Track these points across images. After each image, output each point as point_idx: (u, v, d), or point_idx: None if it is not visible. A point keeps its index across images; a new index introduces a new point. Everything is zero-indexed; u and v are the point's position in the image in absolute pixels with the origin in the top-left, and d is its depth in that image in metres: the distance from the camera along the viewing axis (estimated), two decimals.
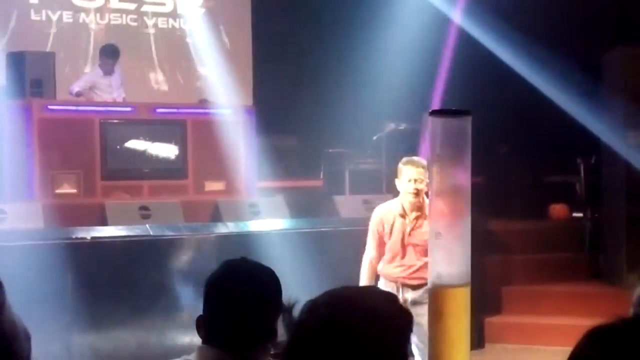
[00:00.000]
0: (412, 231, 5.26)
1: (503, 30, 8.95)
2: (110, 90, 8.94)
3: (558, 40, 9.09)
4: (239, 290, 2.15)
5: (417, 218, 5.26)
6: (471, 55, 9.36)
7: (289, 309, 1.67)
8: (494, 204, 8.81)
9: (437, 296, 2.14)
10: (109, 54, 9.02)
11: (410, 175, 5.21)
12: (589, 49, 8.99)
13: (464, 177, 2.16)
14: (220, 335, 2.13)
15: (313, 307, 1.47)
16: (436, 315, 2.13)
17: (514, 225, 9.01)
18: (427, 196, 4.84)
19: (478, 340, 7.70)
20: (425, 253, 4.65)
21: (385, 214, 5.40)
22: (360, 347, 1.41)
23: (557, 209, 9.59)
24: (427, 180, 4.87)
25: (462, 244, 2.16)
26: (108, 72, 8.99)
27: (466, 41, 9.40)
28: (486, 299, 8.00)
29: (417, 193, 5.19)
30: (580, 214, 9.32)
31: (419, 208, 5.24)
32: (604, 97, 8.52)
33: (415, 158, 5.41)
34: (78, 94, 8.76)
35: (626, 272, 8.06)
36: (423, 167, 5.18)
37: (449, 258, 2.14)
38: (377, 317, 1.44)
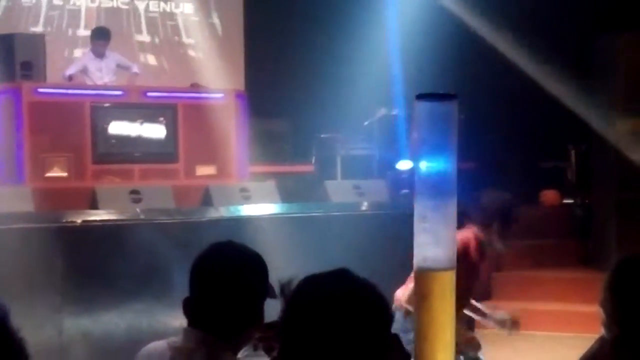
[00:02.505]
0: None
1: (495, 17, 8.95)
2: (100, 75, 8.89)
3: (549, 26, 9.10)
4: (224, 273, 2.16)
5: None
6: (463, 41, 9.36)
7: (283, 290, 1.69)
8: (485, 189, 8.82)
9: (422, 279, 2.15)
10: (100, 36, 8.97)
11: None
12: (580, 35, 9.01)
13: (450, 161, 2.16)
14: (205, 317, 2.13)
15: (301, 290, 1.53)
16: (421, 299, 2.14)
17: None
18: None
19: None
20: None
21: None
22: (346, 327, 1.46)
23: (548, 195, 9.62)
24: None
25: (448, 228, 2.16)
26: (99, 54, 8.93)
27: (458, 27, 9.39)
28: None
29: None
30: (571, 200, 9.37)
31: None
32: (595, 84, 8.53)
33: None
34: (70, 78, 8.72)
35: (615, 258, 8.10)
36: None
37: (435, 241, 2.14)
38: (361, 298, 1.50)
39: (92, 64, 8.91)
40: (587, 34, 8.88)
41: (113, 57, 9.05)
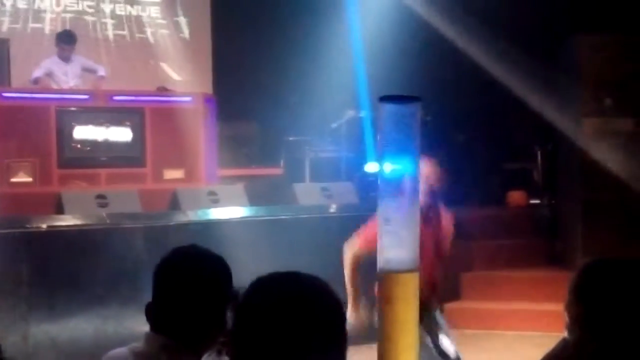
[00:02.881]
0: None
1: (460, 18, 9.00)
2: (66, 79, 8.81)
3: (515, 28, 9.17)
4: (186, 278, 2.14)
5: None
6: (429, 42, 9.41)
7: (236, 296, 1.67)
8: (453, 190, 8.86)
9: (386, 281, 2.15)
10: (65, 40, 8.90)
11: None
12: (546, 37, 9.08)
13: (412, 163, 2.17)
14: (167, 322, 2.12)
15: (250, 294, 1.52)
16: (386, 300, 2.15)
17: (473, 211, 9.08)
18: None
19: None
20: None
21: None
22: (298, 329, 1.45)
23: (515, 196, 9.69)
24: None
25: (411, 229, 2.17)
26: (65, 58, 8.86)
27: (424, 28, 9.43)
28: (445, 285, 8.06)
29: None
30: (538, 201, 9.44)
31: None
32: (561, 85, 8.60)
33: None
34: (36, 81, 8.64)
35: (582, 257, 8.18)
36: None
37: (397, 243, 2.15)
38: (311, 300, 1.49)
39: (58, 68, 8.84)
40: (553, 35, 8.96)
41: (78, 60, 8.98)
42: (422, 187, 4.46)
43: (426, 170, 4.54)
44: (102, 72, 9.10)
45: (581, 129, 8.24)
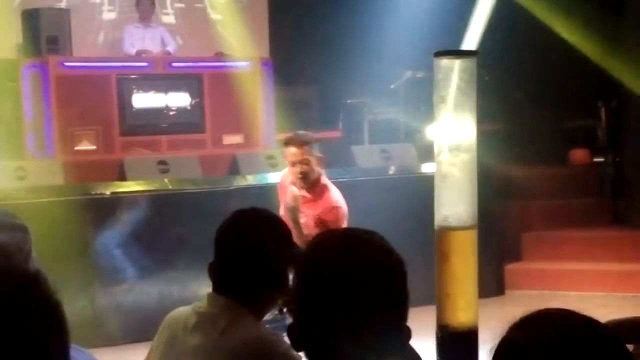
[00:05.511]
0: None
1: None
2: (142, 45, 8.82)
3: None
4: (247, 239, 2.17)
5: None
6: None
7: (297, 257, 1.69)
8: (513, 150, 8.76)
9: (443, 238, 2.14)
10: None
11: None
12: None
13: (470, 119, 2.14)
14: (228, 282, 2.15)
15: (309, 252, 1.53)
16: (443, 257, 2.13)
17: (534, 170, 8.96)
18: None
19: (498, 286, 7.71)
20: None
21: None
22: (358, 286, 1.45)
23: (578, 154, 9.52)
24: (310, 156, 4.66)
25: (469, 186, 2.14)
26: (145, 19, 8.90)
27: None
28: (506, 245, 7.99)
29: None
30: (601, 159, 9.25)
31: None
32: (625, 39, 8.37)
33: (292, 133, 4.96)
34: (138, 54, 8.69)
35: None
36: (298, 143, 4.75)
37: (455, 200, 2.13)
38: (370, 256, 1.49)
39: (135, 32, 8.87)
40: None
41: (158, 28, 9.04)
42: (291, 172, 4.69)
43: (290, 156, 4.72)
44: (171, 47, 9.09)
45: None
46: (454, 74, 2.13)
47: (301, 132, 5.00)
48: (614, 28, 8.39)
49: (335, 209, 4.71)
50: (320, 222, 4.68)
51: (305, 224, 4.72)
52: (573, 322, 1.30)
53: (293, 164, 4.75)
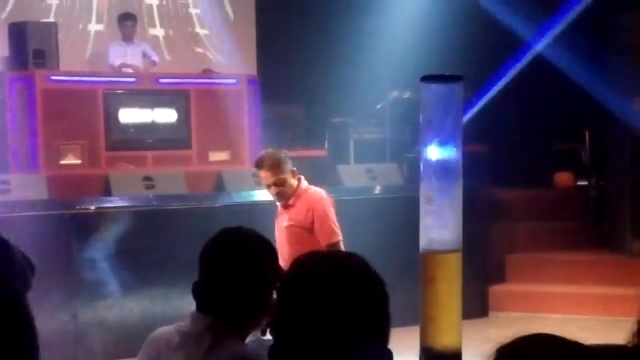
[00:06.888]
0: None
1: None
2: (124, 59, 8.92)
3: (564, 4, 8.99)
4: (232, 258, 2.16)
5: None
6: (475, 20, 9.30)
7: (281, 278, 1.69)
8: (499, 172, 8.80)
9: (428, 261, 2.14)
10: (126, 17, 9.10)
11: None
12: (596, 13, 8.90)
13: (455, 143, 2.15)
14: (213, 302, 2.14)
15: (291, 274, 1.54)
16: (427, 280, 2.14)
17: (519, 193, 9.00)
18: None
19: (482, 308, 7.73)
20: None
21: None
22: (340, 308, 1.46)
23: (562, 177, 9.57)
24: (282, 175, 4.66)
25: (454, 210, 2.15)
26: (128, 38, 8.98)
27: (469, 6, 9.32)
28: (490, 267, 8.01)
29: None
30: (585, 182, 9.30)
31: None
32: (611, 63, 8.45)
33: (262, 155, 4.92)
34: (120, 66, 8.81)
35: (630, 240, 8.06)
36: (268, 166, 4.75)
37: (440, 224, 2.14)
38: (353, 279, 1.49)
39: (118, 49, 8.97)
40: (603, 13, 8.78)
41: (139, 45, 9.15)
42: (270, 193, 4.75)
43: (263, 180, 4.78)
44: (155, 57, 9.24)
45: (631, 108, 8.09)
46: (440, 99, 2.15)
47: (269, 151, 4.97)
48: (599, 52, 8.46)
49: (319, 200, 4.76)
50: (308, 222, 4.70)
51: (290, 229, 4.75)
52: (565, 348, 1.29)
53: (268, 187, 4.76)
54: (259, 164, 4.78)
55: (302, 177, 4.89)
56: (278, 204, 4.85)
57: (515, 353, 1.24)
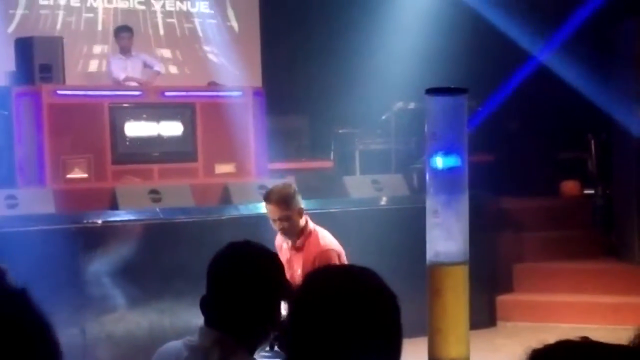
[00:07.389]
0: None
1: (511, 5, 8.88)
2: (125, 73, 8.96)
3: (568, 13, 9.01)
4: (240, 273, 2.16)
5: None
6: (479, 30, 9.31)
7: (290, 291, 1.69)
8: (505, 181, 8.79)
9: (435, 274, 2.14)
10: (123, 29, 9.16)
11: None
12: (599, 21, 8.90)
13: (461, 156, 2.15)
14: (221, 317, 2.15)
15: (304, 288, 1.53)
16: (435, 292, 2.14)
17: (526, 202, 8.98)
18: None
19: (490, 318, 7.71)
20: None
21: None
22: (352, 323, 1.46)
23: (569, 186, 9.55)
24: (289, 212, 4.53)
25: (460, 222, 2.15)
26: (126, 50, 9.03)
27: (473, 17, 9.34)
28: (498, 277, 8.00)
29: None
30: (592, 191, 9.28)
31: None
32: (615, 72, 8.44)
33: (272, 188, 4.80)
34: (125, 80, 8.86)
35: (638, 248, 8.04)
36: (275, 201, 4.62)
37: (446, 236, 2.13)
38: (365, 293, 1.49)
39: (119, 63, 9.01)
40: (608, 20, 8.77)
41: (139, 56, 9.17)
42: (275, 227, 4.60)
43: (270, 214, 4.63)
44: (157, 67, 9.29)
45: (637, 116, 8.08)
46: (445, 112, 2.15)
47: (279, 185, 4.85)
48: (604, 61, 8.46)
49: (325, 252, 4.56)
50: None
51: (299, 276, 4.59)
52: (604, 352, 1.29)
53: (274, 221, 4.64)
54: (267, 197, 4.68)
55: (309, 218, 4.74)
56: (286, 241, 4.72)
57: (550, 356, 1.23)
